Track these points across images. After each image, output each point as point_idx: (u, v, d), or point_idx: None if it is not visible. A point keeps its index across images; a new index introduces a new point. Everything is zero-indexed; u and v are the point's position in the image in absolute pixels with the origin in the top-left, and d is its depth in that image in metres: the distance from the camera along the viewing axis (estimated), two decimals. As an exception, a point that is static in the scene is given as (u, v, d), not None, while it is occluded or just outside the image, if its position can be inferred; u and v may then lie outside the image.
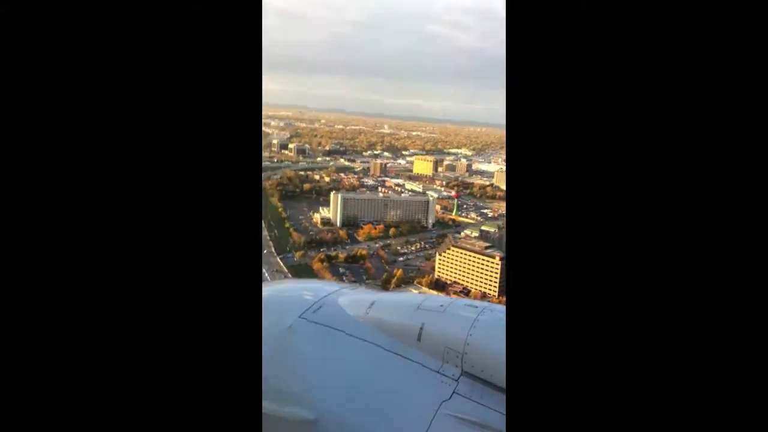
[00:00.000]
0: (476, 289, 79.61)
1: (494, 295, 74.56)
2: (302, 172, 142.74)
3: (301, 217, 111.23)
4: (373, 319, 2.64)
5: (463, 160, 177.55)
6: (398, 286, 76.61)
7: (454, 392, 2.24)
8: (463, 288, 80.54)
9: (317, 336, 2.59)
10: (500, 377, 2.12)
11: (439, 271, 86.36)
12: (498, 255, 78.72)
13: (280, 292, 3.15)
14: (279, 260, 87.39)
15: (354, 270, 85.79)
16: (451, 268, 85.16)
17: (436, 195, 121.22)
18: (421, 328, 2.46)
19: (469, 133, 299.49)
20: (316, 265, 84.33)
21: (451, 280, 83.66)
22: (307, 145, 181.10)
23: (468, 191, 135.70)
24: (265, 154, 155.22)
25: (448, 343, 2.37)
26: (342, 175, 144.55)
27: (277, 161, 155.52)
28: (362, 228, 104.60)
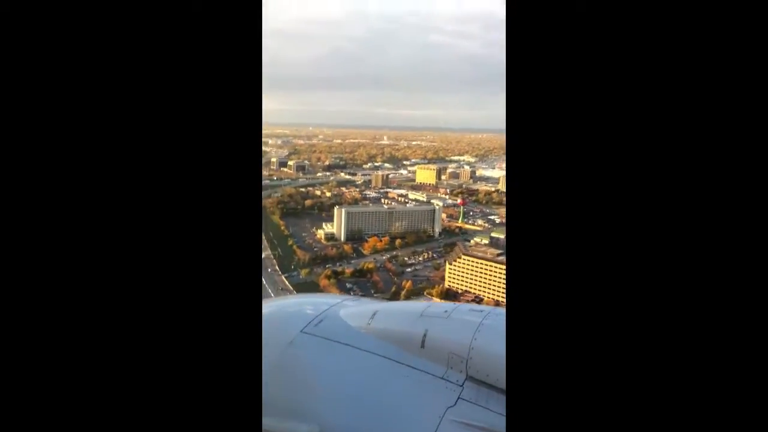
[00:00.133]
0: (489, 297, 76.38)
1: (509, 303, 71.16)
2: (303, 189, 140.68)
3: (304, 234, 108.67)
4: (375, 330, 2.63)
5: (467, 167, 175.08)
6: (408, 298, 73.52)
7: (459, 398, 2.23)
8: (476, 296, 77.29)
9: (319, 350, 2.59)
10: (505, 381, 2.09)
11: (449, 281, 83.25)
12: (510, 261, 75.43)
13: (282, 308, 3.09)
14: (284, 279, 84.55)
15: (362, 285, 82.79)
16: (462, 277, 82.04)
17: (441, 203, 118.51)
18: (425, 335, 2.46)
19: (471, 140, 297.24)
20: (323, 282, 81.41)
21: (462, 290, 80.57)
22: (306, 161, 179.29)
23: (473, 198, 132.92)
24: (264, 172, 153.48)
25: (452, 349, 2.36)
26: (343, 189, 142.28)
27: (277, 179, 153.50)
28: (367, 241, 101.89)
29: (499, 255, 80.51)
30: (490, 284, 78.47)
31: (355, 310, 2.84)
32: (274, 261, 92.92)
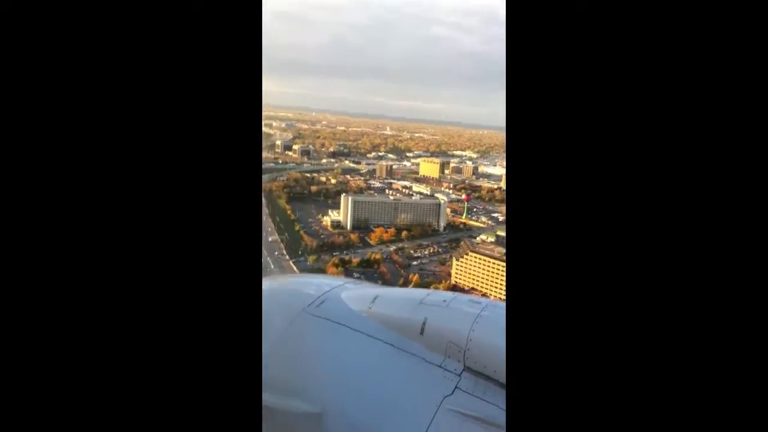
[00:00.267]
0: (495, 296, 78.04)
1: (515, 302, 72.73)
2: (308, 174, 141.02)
3: (310, 219, 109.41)
4: (376, 314, 2.62)
5: (469, 163, 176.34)
6: (415, 291, 74.61)
7: (456, 387, 2.23)
8: (483, 295, 78.91)
9: (320, 330, 2.59)
10: (502, 373, 2.13)
11: (456, 277, 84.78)
12: (517, 261, 76.83)
13: (283, 286, 3.11)
14: (292, 264, 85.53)
15: (369, 275, 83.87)
16: (469, 274, 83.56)
17: (445, 198, 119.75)
18: (424, 323, 2.45)
19: (472, 136, 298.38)
20: (330, 270, 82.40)
21: (468, 286, 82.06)
22: (310, 147, 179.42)
23: (476, 194, 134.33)
24: (269, 155, 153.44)
25: (451, 338, 2.34)
26: (348, 177, 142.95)
27: (282, 162, 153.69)
28: (374, 231, 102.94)
29: (506, 254, 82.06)
30: (496, 282, 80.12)
31: (356, 294, 2.86)
32: (282, 245, 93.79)
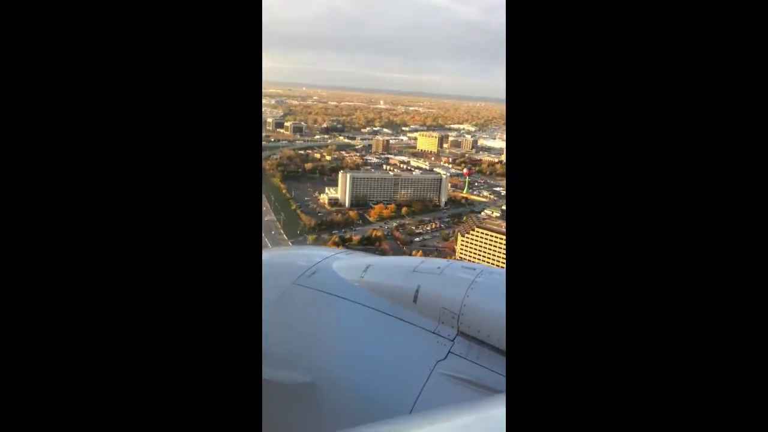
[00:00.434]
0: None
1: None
2: (302, 151, 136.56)
3: (306, 198, 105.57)
4: (368, 283, 2.62)
5: (468, 136, 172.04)
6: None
7: (449, 352, 2.25)
8: (491, 270, 75.78)
9: (312, 301, 2.59)
10: (496, 337, 2.20)
11: (461, 254, 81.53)
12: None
13: (274, 259, 3.05)
14: (290, 244, 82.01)
15: (370, 252, 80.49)
16: (475, 250, 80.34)
17: (446, 172, 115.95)
18: (417, 290, 2.46)
19: (469, 108, 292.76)
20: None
21: (476, 263, 78.91)
22: (303, 123, 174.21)
23: (477, 168, 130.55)
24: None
25: (444, 304, 2.37)
26: (343, 153, 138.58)
27: (274, 140, 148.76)
28: (373, 208, 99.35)
29: (506, 227, 78.65)
30: (504, 258, 76.86)
31: (348, 263, 2.81)
32: (279, 225, 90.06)
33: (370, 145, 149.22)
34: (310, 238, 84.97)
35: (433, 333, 2.31)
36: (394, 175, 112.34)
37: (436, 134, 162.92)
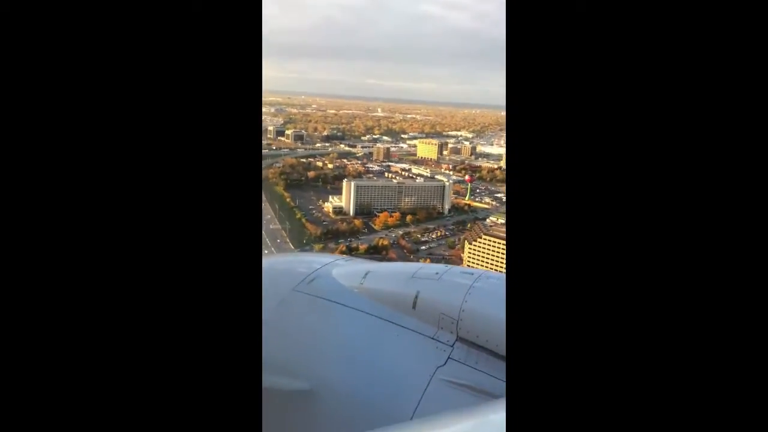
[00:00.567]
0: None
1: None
2: (303, 159, 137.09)
3: (311, 206, 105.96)
4: (367, 289, 2.62)
5: (466, 143, 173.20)
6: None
7: (449, 358, 2.24)
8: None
9: (311, 308, 2.59)
10: (495, 342, 2.20)
11: (469, 262, 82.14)
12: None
13: (274, 265, 3.05)
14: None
15: (378, 261, 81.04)
16: (483, 258, 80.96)
17: (448, 180, 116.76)
18: (416, 296, 2.46)
19: (466, 115, 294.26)
20: (338, 258, 79.35)
21: (473, 269, 79.41)
22: (303, 131, 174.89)
23: (477, 175, 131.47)
24: (262, 141, 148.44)
25: (443, 310, 2.36)
26: (345, 161, 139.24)
27: (276, 148, 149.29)
28: (378, 216, 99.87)
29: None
30: (512, 265, 77.43)
31: (347, 270, 2.80)
32: (284, 233, 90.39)
33: (371, 153, 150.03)
34: (317, 247, 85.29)
35: (433, 339, 2.32)
36: (397, 182, 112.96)
37: (435, 141, 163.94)
